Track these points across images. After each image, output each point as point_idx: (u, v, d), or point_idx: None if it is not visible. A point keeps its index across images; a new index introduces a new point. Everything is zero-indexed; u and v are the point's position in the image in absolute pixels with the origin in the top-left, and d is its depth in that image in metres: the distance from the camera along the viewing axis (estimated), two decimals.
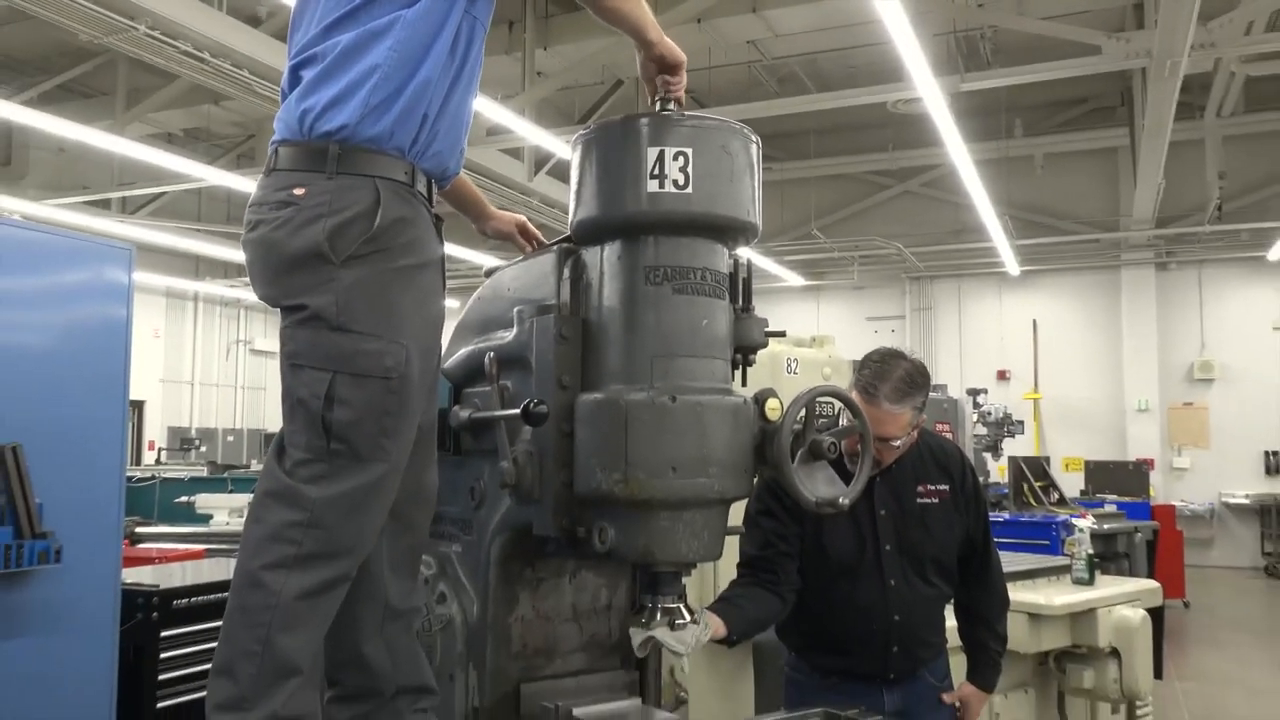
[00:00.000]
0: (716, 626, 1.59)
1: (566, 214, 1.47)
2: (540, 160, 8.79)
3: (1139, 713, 2.92)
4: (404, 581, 1.46)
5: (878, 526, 1.87)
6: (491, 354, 1.48)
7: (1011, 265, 10.61)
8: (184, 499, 5.10)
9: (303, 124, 1.34)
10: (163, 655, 2.23)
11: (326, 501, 1.28)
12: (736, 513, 1.45)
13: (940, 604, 1.98)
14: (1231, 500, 10.32)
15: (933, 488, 1.92)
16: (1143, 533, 6.37)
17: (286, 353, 1.34)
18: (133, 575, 2.45)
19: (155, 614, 2.22)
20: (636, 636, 1.41)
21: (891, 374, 1.79)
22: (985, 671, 1.98)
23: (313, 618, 1.29)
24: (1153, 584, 3.21)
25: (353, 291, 1.29)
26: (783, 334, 1.62)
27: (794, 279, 11.57)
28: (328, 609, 1.31)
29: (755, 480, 1.44)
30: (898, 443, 1.82)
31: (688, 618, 1.42)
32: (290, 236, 1.30)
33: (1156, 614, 2.97)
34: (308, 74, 1.37)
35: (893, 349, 1.91)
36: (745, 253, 1.50)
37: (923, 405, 1.85)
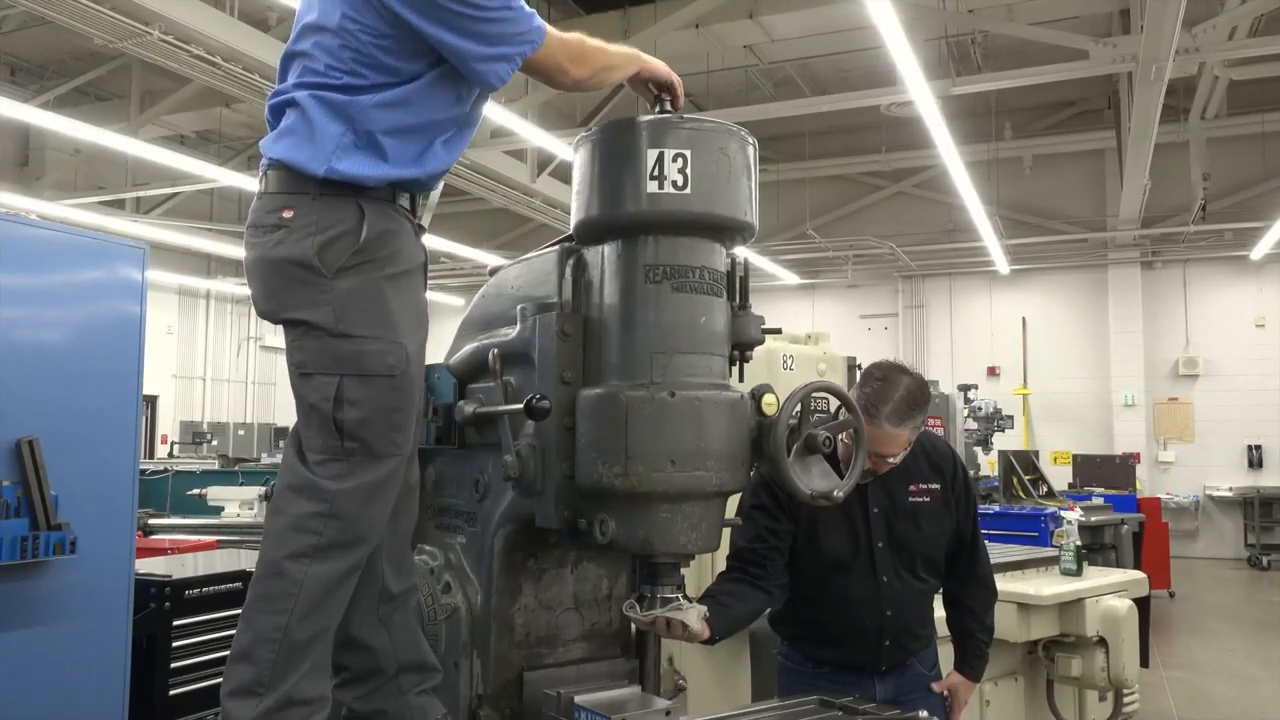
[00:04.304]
0: (700, 627, 1.59)
1: (568, 214, 1.50)
2: (543, 162, 8.82)
3: (1126, 700, 2.96)
4: (399, 565, 1.52)
5: (870, 524, 1.90)
6: (495, 350, 1.52)
7: (1001, 264, 10.70)
8: (196, 491, 5.14)
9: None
10: (175, 644, 2.27)
11: (345, 493, 1.34)
12: (733, 505, 1.48)
13: (930, 597, 2.01)
14: (1215, 493, 10.43)
15: (925, 486, 1.93)
16: (1129, 525, 6.43)
17: (295, 363, 1.40)
18: (145, 566, 2.48)
19: (167, 603, 2.25)
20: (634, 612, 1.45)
21: (892, 395, 1.77)
22: (972, 661, 2.01)
23: (330, 605, 1.34)
24: (1139, 575, 3.26)
25: (347, 300, 1.36)
26: (779, 331, 1.64)
27: (790, 277, 11.62)
28: (344, 597, 1.36)
29: (752, 474, 1.47)
30: (894, 459, 1.83)
31: (685, 606, 1.47)
32: (282, 256, 1.37)
33: (1143, 604, 3.01)
34: (285, 121, 1.42)
35: (894, 364, 1.87)
36: (742, 252, 1.54)
37: (922, 422, 1.83)
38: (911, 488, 1.92)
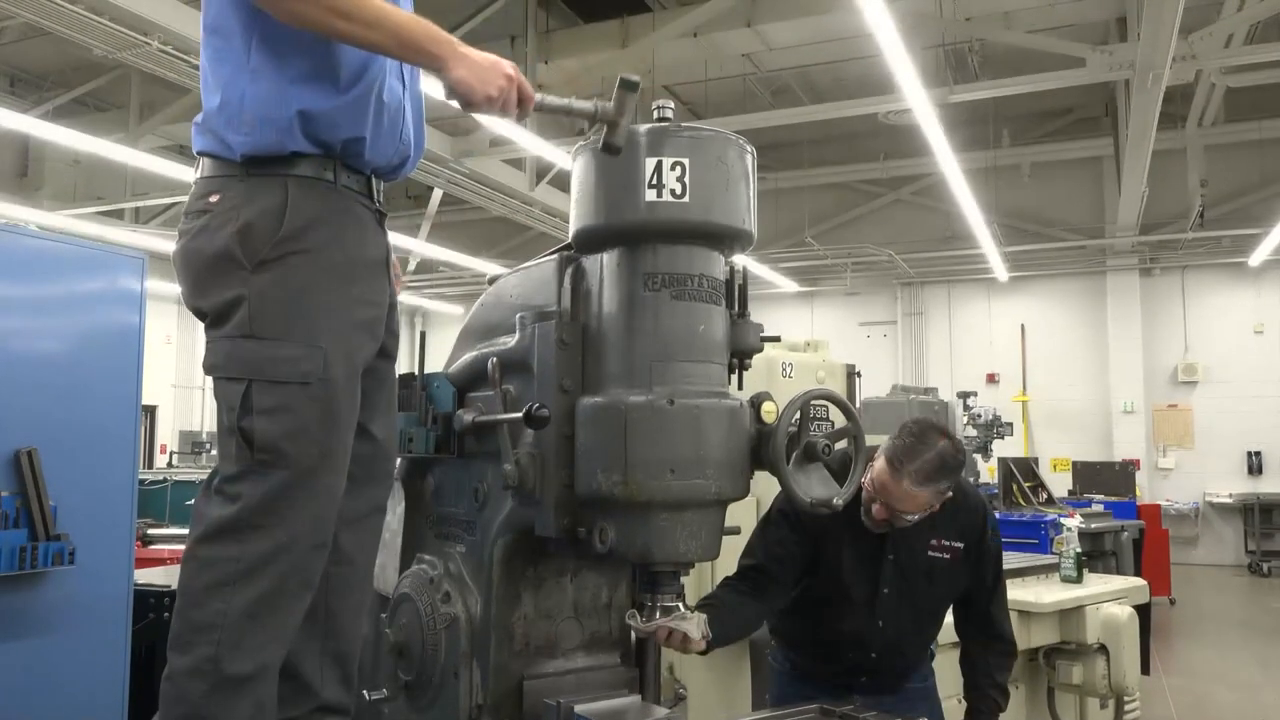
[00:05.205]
0: (700, 639, 1.57)
1: (567, 223, 1.50)
2: (541, 170, 8.85)
3: (1127, 707, 2.96)
4: (349, 620, 1.42)
5: (882, 570, 1.87)
6: (494, 359, 1.52)
7: (1000, 271, 10.72)
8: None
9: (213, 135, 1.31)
10: None
11: (256, 507, 1.23)
12: (734, 513, 1.49)
13: (923, 647, 2.00)
14: (1215, 499, 10.42)
15: (946, 543, 1.88)
16: (1129, 531, 6.42)
17: (207, 366, 1.29)
18: (145, 576, 2.46)
19: (167, 614, 2.24)
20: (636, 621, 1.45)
21: (922, 454, 1.72)
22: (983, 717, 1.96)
23: (266, 633, 1.24)
24: (1139, 581, 3.28)
25: (264, 296, 1.24)
26: (778, 339, 1.64)
27: (789, 285, 11.63)
28: (281, 622, 1.26)
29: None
30: (913, 518, 1.79)
31: (687, 617, 1.47)
32: (205, 245, 1.28)
33: (1143, 611, 3.03)
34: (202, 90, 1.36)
35: (934, 423, 1.81)
36: (741, 259, 1.54)
37: (948, 489, 1.78)
38: (933, 542, 1.89)
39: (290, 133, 1.29)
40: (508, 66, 1.29)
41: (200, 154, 1.35)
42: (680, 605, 1.47)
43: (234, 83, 1.30)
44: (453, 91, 1.26)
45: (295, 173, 1.30)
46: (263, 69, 1.29)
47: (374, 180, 1.42)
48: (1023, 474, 6.52)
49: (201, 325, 1.34)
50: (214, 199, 1.30)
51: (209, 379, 1.31)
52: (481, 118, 6.62)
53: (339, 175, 1.34)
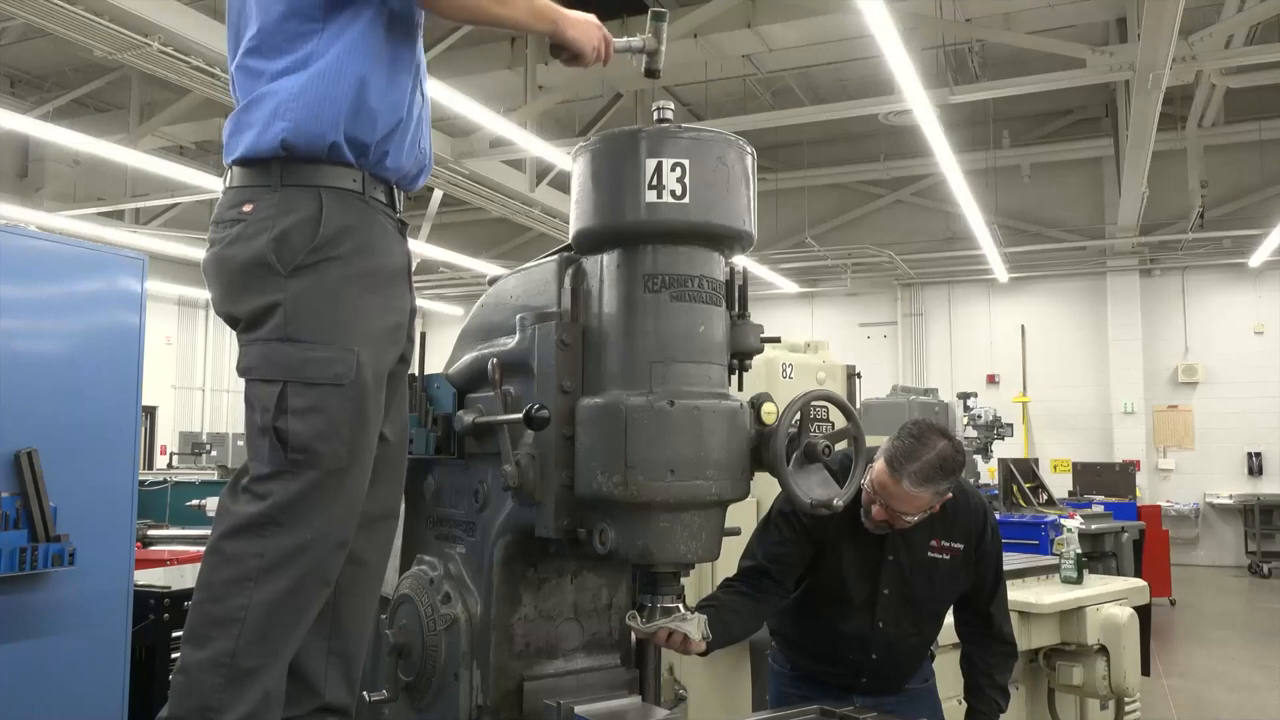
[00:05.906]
0: (700, 640, 1.56)
1: (567, 224, 1.50)
2: (542, 171, 8.86)
3: (1127, 709, 2.96)
4: (356, 621, 1.44)
5: (883, 571, 1.87)
6: (494, 360, 1.52)
7: (1000, 272, 10.73)
8: (195, 502, 5.13)
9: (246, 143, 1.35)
10: (174, 655, 2.25)
11: (284, 505, 1.26)
12: (734, 514, 1.49)
13: (922, 649, 1.99)
14: (1215, 500, 10.43)
15: (946, 544, 1.88)
16: (1129, 532, 6.44)
17: (241, 368, 1.33)
18: (145, 577, 2.47)
19: (166, 615, 2.25)
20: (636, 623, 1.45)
21: (922, 455, 1.72)
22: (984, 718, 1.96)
23: (280, 628, 1.27)
24: (1140, 582, 3.27)
25: (299, 301, 1.29)
26: (778, 340, 1.63)
27: (789, 286, 11.64)
28: (296, 617, 1.29)
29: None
30: (912, 519, 1.78)
31: (687, 618, 1.47)
32: (240, 251, 1.31)
33: (1143, 612, 3.02)
34: (239, 99, 1.40)
35: (934, 425, 1.80)
36: (741, 260, 1.53)
37: (948, 490, 1.77)
38: (932, 543, 1.88)
39: (335, 127, 1.34)
40: (597, 22, 1.49)
41: (233, 164, 1.38)
42: (680, 606, 1.47)
43: (293, 81, 1.34)
44: (565, 50, 1.47)
45: (327, 183, 1.34)
46: (326, 71, 1.34)
47: (395, 190, 1.46)
48: (1023, 475, 6.52)
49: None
50: (248, 208, 1.33)
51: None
52: (482, 119, 6.62)
53: (366, 186, 1.39)
